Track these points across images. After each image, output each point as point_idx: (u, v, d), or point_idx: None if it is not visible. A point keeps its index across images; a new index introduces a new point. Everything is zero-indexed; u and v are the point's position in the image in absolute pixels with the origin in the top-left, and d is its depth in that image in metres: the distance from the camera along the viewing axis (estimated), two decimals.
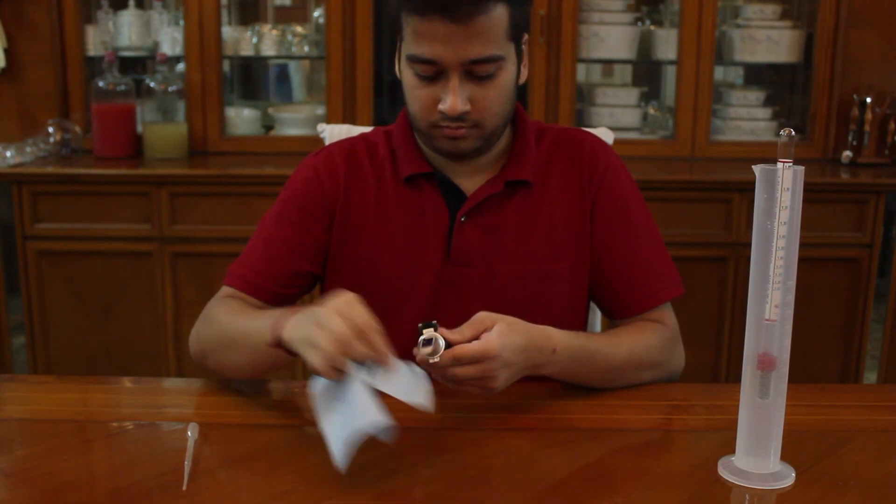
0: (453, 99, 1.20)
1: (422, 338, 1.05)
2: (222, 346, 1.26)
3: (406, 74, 1.25)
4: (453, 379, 1.07)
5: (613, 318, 1.36)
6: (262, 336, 1.13)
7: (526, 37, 1.29)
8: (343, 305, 1.03)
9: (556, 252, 1.32)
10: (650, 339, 1.28)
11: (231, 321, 1.25)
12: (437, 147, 1.28)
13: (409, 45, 1.22)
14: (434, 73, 1.21)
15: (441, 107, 1.22)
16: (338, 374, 1.01)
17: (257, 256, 1.33)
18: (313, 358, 1.01)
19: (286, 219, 1.34)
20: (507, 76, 1.24)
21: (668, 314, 1.33)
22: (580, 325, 1.37)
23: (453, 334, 1.07)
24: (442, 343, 1.05)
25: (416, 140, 1.35)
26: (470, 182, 1.33)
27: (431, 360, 1.04)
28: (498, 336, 1.07)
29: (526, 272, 1.31)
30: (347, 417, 0.98)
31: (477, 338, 1.08)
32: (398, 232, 1.32)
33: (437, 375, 1.07)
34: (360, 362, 1.01)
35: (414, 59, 1.21)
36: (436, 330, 1.05)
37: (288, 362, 1.16)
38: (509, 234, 1.31)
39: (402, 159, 1.33)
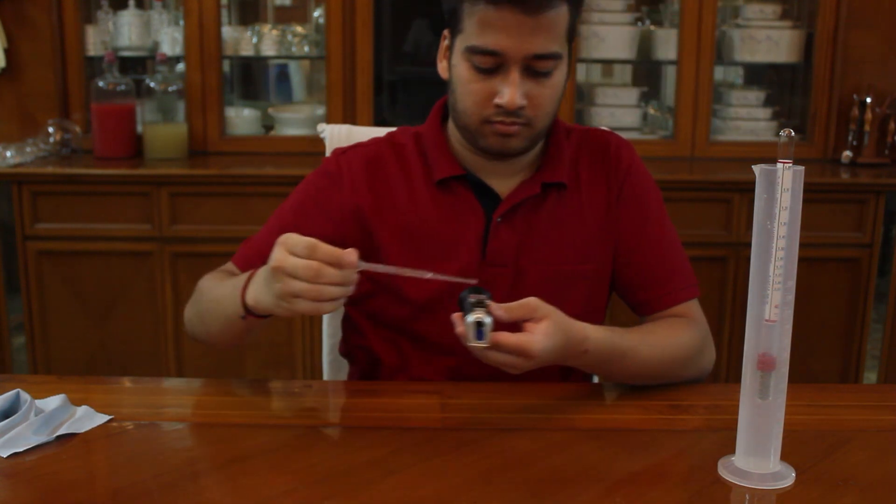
0: (512, 92, 1.20)
1: (472, 318, 1.03)
2: (200, 316, 1.27)
3: (461, 68, 1.24)
4: (482, 357, 1.06)
5: (640, 315, 1.36)
6: (233, 307, 1.14)
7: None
8: (286, 245, 1.02)
9: (584, 253, 1.33)
10: (682, 337, 1.27)
11: (209, 290, 1.25)
12: (485, 145, 1.27)
13: (471, 37, 1.21)
14: (494, 66, 1.21)
15: (498, 100, 1.21)
16: (331, 305, 1.01)
17: (263, 238, 1.33)
18: (298, 306, 1.01)
19: (299, 208, 1.34)
20: (561, 76, 1.25)
21: (697, 310, 1.34)
22: (598, 322, 1.37)
23: (499, 311, 1.05)
24: (490, 324, 1.03)
25: (447, 141, 1.34)
26: (502, 183, 1.33)
27: (477, 345, 1.03)
28: (543, 337, 1.06)
29: (553, 273, 1.32)
30: None
31: (520, 322, 1.07)
32: (434, 234, 1.31)
33: (467, 344, 1.05)
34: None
35: (475, 51, 1.20)
36: (487, 309, 1.04)
37: (263, 327, 1.17)
38: (542, 236, 1.32)
39: (434, 162, 1.32)
